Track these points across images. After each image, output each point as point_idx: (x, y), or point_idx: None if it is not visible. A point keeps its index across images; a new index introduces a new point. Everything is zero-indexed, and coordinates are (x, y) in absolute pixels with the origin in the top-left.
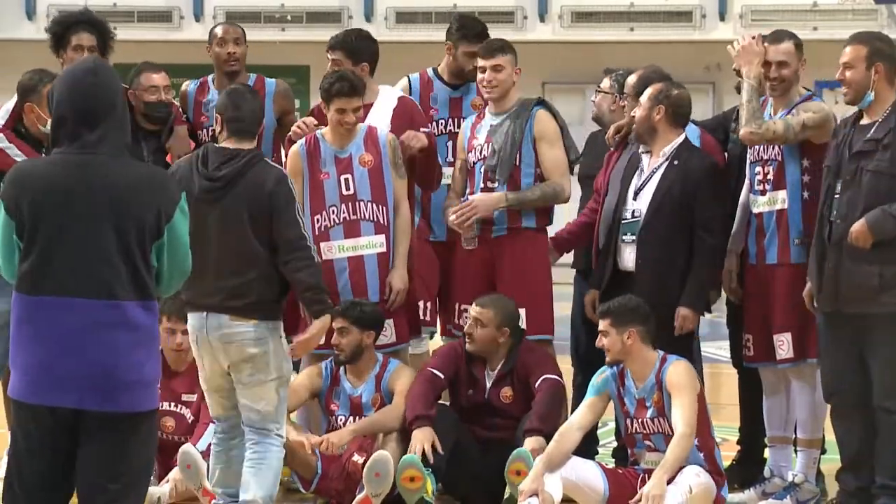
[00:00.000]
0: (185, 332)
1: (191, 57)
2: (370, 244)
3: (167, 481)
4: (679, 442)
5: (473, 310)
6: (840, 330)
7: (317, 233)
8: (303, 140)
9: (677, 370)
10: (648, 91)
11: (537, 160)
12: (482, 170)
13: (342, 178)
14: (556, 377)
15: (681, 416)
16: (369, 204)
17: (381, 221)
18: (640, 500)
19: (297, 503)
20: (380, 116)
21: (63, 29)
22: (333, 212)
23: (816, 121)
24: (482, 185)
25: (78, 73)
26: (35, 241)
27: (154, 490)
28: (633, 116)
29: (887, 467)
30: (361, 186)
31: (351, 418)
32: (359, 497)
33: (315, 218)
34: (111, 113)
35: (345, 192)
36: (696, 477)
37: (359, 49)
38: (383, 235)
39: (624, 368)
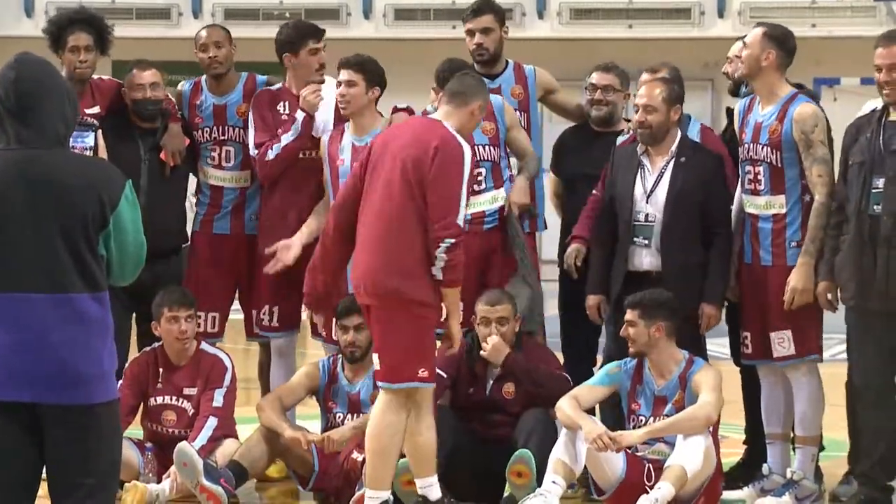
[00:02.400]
0: (188, 319)
1: (189, 54)
2: None
3: (168, 477)
4: (695, 407)
5: (493, 310)
6: (877, 326)
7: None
8: (332, 129)
9: (709, 374)
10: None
11: (506, 149)
12: None
13: (354, 166)
14: (565, 374)
15: (707, 396)
16: None
17: None
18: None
19: (295, 501)
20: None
21: (58, 29)
22: None
23: (823, 150)
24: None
25: (1, 71)
26: None
27: (154, 487)
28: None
29: None
30: None
31: (349, 415)
32: (357, 495)
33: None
34: (41, 106)
35: None
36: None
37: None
38: None
39: (640, 364)
